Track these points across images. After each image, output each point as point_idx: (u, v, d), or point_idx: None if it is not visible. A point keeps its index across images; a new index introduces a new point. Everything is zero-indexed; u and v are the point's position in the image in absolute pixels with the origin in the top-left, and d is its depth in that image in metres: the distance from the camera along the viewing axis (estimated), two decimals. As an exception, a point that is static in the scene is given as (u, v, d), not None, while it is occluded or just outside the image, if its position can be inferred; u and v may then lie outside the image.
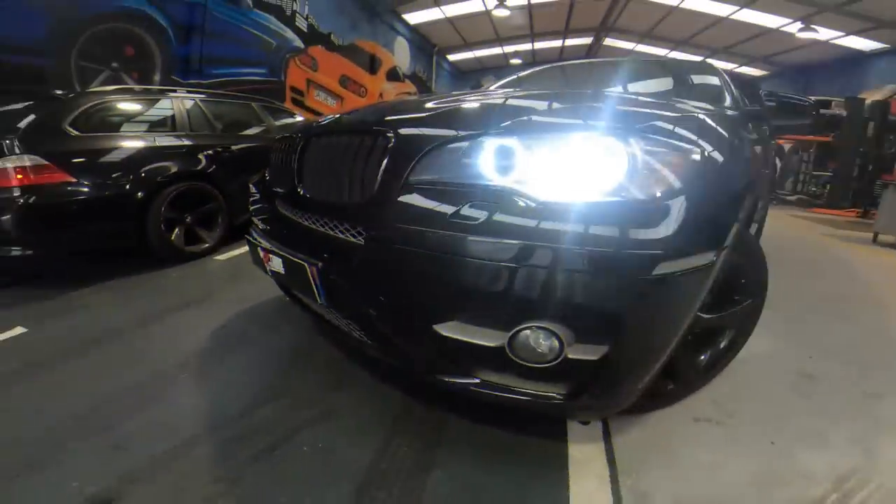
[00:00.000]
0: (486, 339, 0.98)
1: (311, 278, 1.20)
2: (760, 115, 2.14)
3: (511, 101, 1.29)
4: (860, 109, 8.58)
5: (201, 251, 3.27)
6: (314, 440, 1.31)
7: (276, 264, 1.37)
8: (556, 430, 1.37)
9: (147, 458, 1.24)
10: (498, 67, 18.77)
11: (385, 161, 1.09)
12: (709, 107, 1.60)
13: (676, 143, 1.04)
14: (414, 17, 12.52)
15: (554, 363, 0.96)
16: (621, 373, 1.01)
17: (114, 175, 2.80)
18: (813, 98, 10.09)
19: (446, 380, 1.10)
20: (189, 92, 3.72)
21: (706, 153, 1.07)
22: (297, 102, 8.38)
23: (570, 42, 16.41)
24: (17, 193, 2.43)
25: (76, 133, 2.75)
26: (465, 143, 1.03)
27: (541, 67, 3.12)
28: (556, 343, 0.94)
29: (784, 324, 2.27)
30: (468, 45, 15.64)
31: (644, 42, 15.35)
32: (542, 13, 12.84)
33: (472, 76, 19.32)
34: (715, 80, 2.24)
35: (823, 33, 10.92)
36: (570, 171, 0.96)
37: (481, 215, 0.94)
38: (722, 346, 1.52)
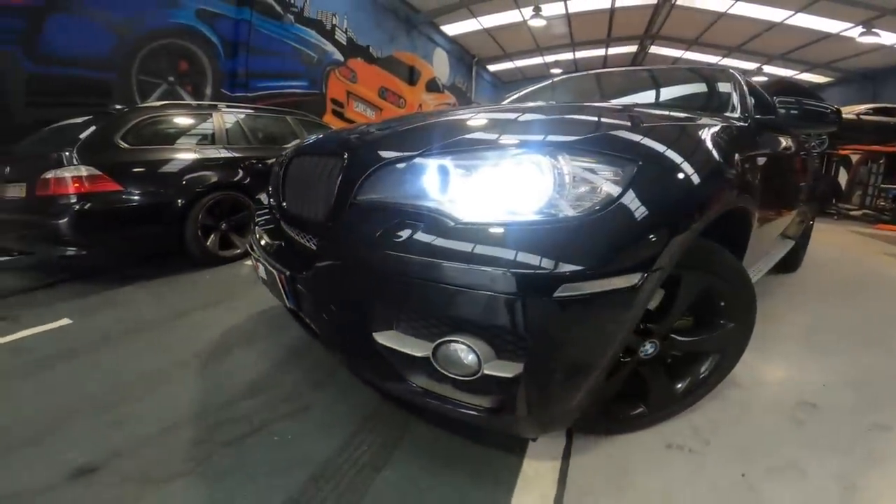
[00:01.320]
0: (415, 349, 1.03)
1: (280, 284, 1.33)
2: (777, 123, 2.03)
3: (458, 120, 1.36)
4: (932, 118, 7.85)
5: (233, 256, 3.53)
6: (285, 431, 1.41)
7: (262, 271, 1.51)
8: (518, 444, 1.37)
9: (137, 435, 1.39)
10: (540, 77, 18.68)
11: (339, 180, 1.20)
12: (692, 116, 1.58)
13: (607, 163, 1.01)
14: (452, 29, 12.74)
15: (474, 377, 0.98)
16: (542, 392, 1.00)
17: (158, 184, 3.13)
18: (876, 105, 9.34)
19: (390, 385, 1.15)
20: (229, 107, 4.02)
21: (645, 171, 1.02)
22: (338, 114, 8.76)
23: (613, 51, 16.08)
24: (73, 200, 2.77)
25: (126, 146, 3.09)
26: (401, 165, 1.11)
27: (556, 79, 3.14)
28: (474, 358, 0.97)
29: (808, 350, 2.13)
30: (508, 56, 15.67)
31: (693, 49, 14.77)
32: (582, 22, 12.67)
33: (513, 86, 19.28)
34: (726, 87, 2.16)
35: (887, 37, 10.07)
36: (490, 191, 1.00)
37: (406, 234, 1.00)
38: (703, 371, 1.45)
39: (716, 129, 1.49)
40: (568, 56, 16.15)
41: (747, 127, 1.81)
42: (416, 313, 1.02)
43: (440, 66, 13.04)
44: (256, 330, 2.22)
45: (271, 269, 1.38)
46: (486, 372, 0.96)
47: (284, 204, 1.53)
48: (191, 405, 1.56)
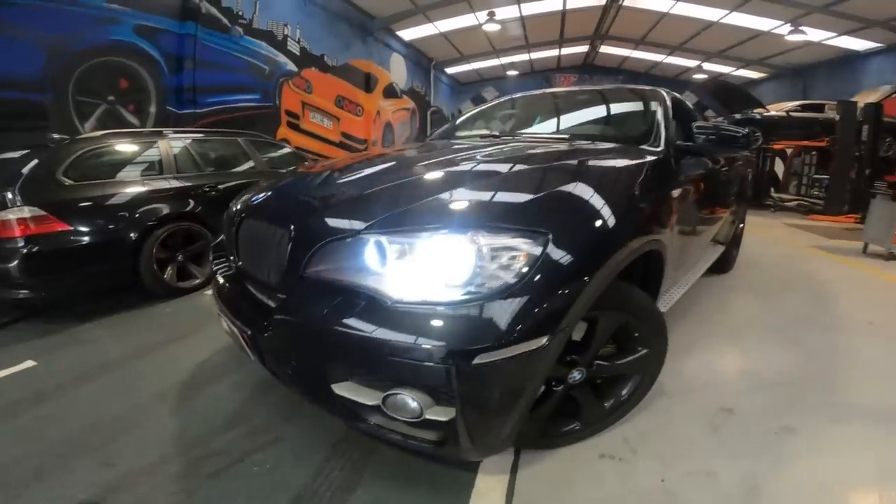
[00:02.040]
0: (368, 398, 1.16)
1: (243, 342, 1.42)
2: (695, 150, 2.20)
3: (399, 186, 1.44)
4: (853, 113, 8.50)
5: (193, 287, 3.45)
6: (263, 461, 1.54)
7: (224, 325, 1.57)
8: (471, 462, 1.50)
9: (128, 472, 1.50)
10: (497, 78, 18.97)
11: (288, 252, 1.28)
12: (608, 168, 1.65)
13: (522, 237, 1.12)
14: (408, 34, 12.76)
15: (418, 420, 1.12)
16: (475, 428, 1.14)
17: (107, 221, 3.05)
18: (804, 102, 10.02)
19: (351, 422, 1.29)
20: (176, 132, 3.90)
21: (554, 245, 1.13)
22: (293, 126, 8.62)
23: (566, 51, 16.53)
24: (20, 244, 2.68)
25: (69, 182, 2.99)
26: (343, 242, 1.21)
27: (497, 101, 3.25)
28: (417, 406, 1.11)
29: (731, 353, 2.34)
30: (465, 58, 15.84)
31: (639, 48, 15.40)
32: (536, 24, 12.98)
33: (471, 88, 19.51)
34: (653, 112, 2.23)
35: (814, 34, 10.86)
36: (420, 270, 1.13)
37: (350, 310, 1.13)
38: (627, 389, 1.62)
39: (632, 173, 1.62)
40: (524, 57, 16.50)
41: (665, 160, 1.92)
42: (365, 373, 1.17)
43: (397, 71, 13.03)
44: (222, 364, 2.25)
45: (233, 326, 1.45)
46: (427, 417, 1.11)
47: (240, 262, 1.58)
48: (172, 441, 1.65)
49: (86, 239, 2.91)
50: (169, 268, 3.35)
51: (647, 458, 1.53)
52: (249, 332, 1.35)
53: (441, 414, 1.10)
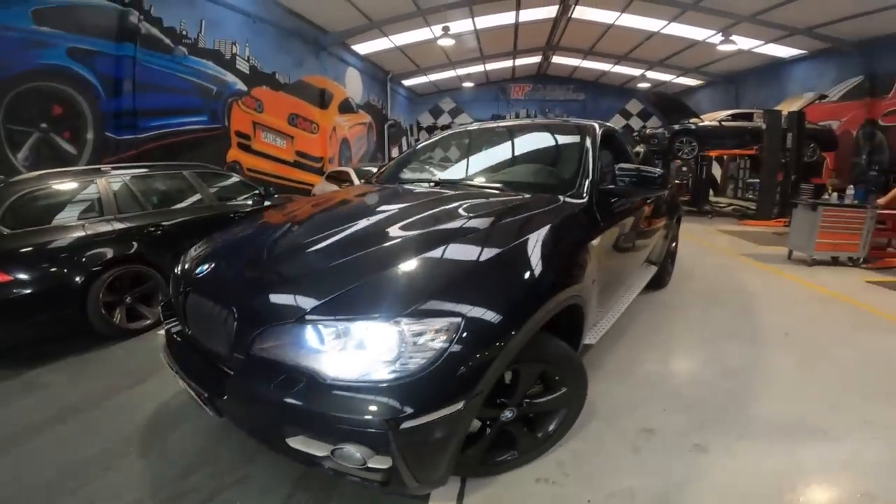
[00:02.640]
0: (319, 450, 1.30)
1: (199, 401, 1.51)
2: (616, 192, 2.31)
3: (336, 268, 1.51)
4: (778, 121, 9.21)
5: (144, 327, 3.35)
6: (233, 498, 1.64)
7: (180, 383, 1.63)
8: None
9: None
10: (454, 89, 19.26)
11: (234, 332, 1.40)
12: (522, 239, 1.67)
13: (438, 320, 1.26)
14: (364, 48, 12.76)
15: (363, 467, 1.27)
16: (413, 472, 1.29)
17: (49, 269, 2.97)
18: (735, 112, 10.69)
19: (309, 466, 1.39)
20: (115, 169, 3.76)
21: (468, 324, 1.28)
22: (244, 147, 8.44)
23: (520, 61, 17.01)
24: None
25: (7, 231, 2.89)
26: (283, 326, 1.33)
27: (442, 135, 3.34)
28: (360, 457, 1.25)
29: (658, 373, 2.50)
30: (422, 70, 16.00)
31: (589, 58, 16.06)
32: (490, 36, 13.31)
33: (429, 99, 19.74)
34: (583, 154, 2.32)
35: (744, 43, 11.66)
36: (352, 353, 1.26)
37: (293, 387, 1.27)
38: (555, 422, 1.78)
39: (551, 235, 1.71)
40: (479, 68, 16.84)
41: (587, 209, 2.05)
42: (313, 433, 1.30)
43: (353, 85, 13.00)
44: (182, 406, 2.24)
45: (188, 387, 1.54)
46: (370, 465, 1.27)
47: (188, 330, 1.65)
48: (145, 482, 1.73)
49: (28, 289, 2.82)
50: (117, 310, 3.24)
51: (577, 480, 1.66)
52: (206, 395, 1.46)
53: (381, 462, 1.26)
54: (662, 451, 1.81)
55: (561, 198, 2.06)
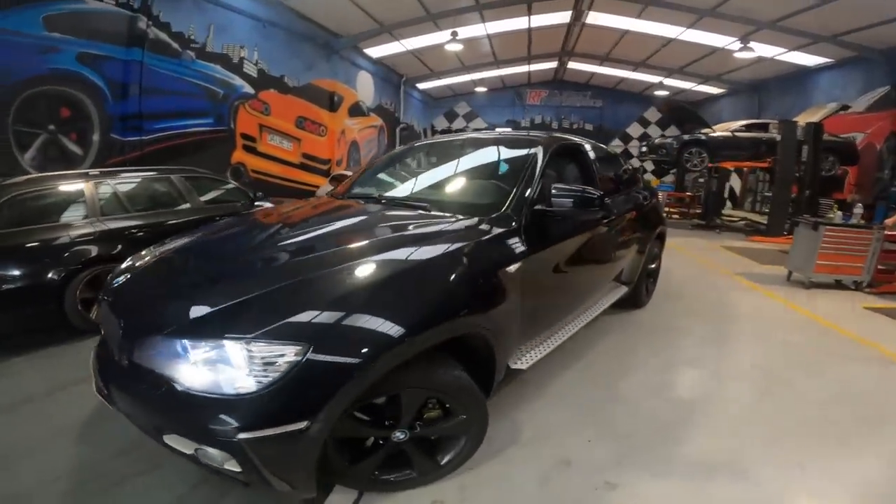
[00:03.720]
0: (187, 448, 1.40)
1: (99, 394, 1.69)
2: (558, 214, 2.21)
3: (202, 291, 1.61)
4: (793, 132, 8.83)
5: None
6: (140, 483, 1.81)
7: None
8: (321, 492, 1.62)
9: (29, 483, 1.80)
10: (469, 93, 19.25)
11: (120, 338, 1.57)
12: (418, 257, 1.70)
13: (284, 345, 1.31)
14: (376, 51, 12.90)
15: (223, 468, 1.38)
16: (265, 478, 1.37)
17: (30, 267, 3.15)
18: (749, 121, 10.29)
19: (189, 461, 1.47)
20: (103, 173, 3.92)
21: (315, 349, 1.32)
22: (250, 149, 8.65)
23: (535, 67, 16.87)
24: None
25: None
26: (152, 340, 1.45)
27: (404, 148, 3.37)
28: (217, 457, 1.35)
29: (601, 400, 2.44)
30: (436, 74, 16.06)
31: (605, 64, 15.81)
32: (503, 41, 13.27)
33: (444, 103, 19.78)
34: (527, 165, 2.32)
35: (765, 50, 11.26)
36: (206, 366, 1.35)
37: (162, 393, 1.38)
38: (455, 448, 1.77)
39: (443, 262, 1.69)
40: (494, 73, 16.79)
41: (510, 230, 1.99)
42: (178, 433, 1.41)
43: (365, 88, 13.15)
44: None
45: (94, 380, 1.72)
46: (226, 466, 1.37)
47: (102, 332, 1.80)
48: (70, 464, 1.92)
49: (9, 284, 3.01)
50: (95, 307, 3.38)
51: (473, 508, 1.64)
52: (104, 390, 1.63)
53: (235, 465, 1.36)
54: (569, 486, 1.77)
55: (476, 220, 2.01)
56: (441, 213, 2.13)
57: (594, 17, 11.73)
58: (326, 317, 1.39)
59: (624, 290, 3.51)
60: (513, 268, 1.89)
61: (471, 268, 1.73)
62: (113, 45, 5.98)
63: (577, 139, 3.17)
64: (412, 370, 1.51)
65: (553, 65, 16.94)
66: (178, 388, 1.35)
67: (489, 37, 12.54)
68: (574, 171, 2.98)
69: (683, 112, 11.04)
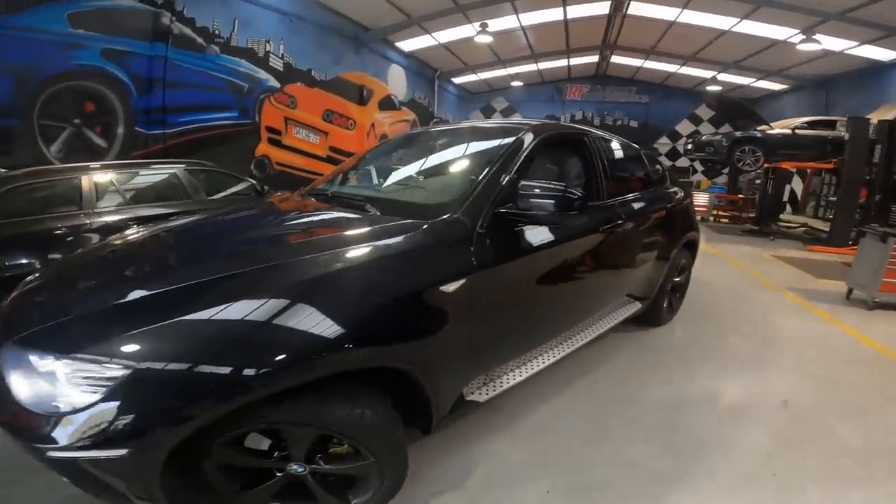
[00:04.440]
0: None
1: None
2: (532, 218, 1.85)
3: (50, 305, 1.45)
4: (864, 131, 7.80)
5: None
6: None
7: None
8: None
9: None
10: (506, 89, 18.73)
11: None
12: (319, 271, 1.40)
13: (104, 365, 1.13)
14: (408, 45, 12.73)
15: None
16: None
17: (21, 257, 3.20)
18: (812, 118, 9.23)
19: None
20: (104, 167, 3.95)
21: (138, 371, 1.12)
22: (275, 142, 8.71)
23: (575, 61, 16.13)
24: None
25: None
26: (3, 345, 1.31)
27: (390, 140, 3.11)
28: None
29: (574, 444, 2.07)
30: (471, 68, 15.69)
31: (651, 58, 14.85)
32: (538, 33, 12.70)
33: (481, 98, 19.36)
34: (495, 159, 1.96)
35: (832, 43, 10.10)
36: (30, 378, 1.21)
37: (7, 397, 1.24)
38: (370, 491, 1.50)
39: (350, 278, 1.40)
40: (531, 67, 16.20)
41: (458, 238, 1.65)
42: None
43: (396, 82, 13.02)
44: None
45: None
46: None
47: None
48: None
49: (7, 273, 3.04)
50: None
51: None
52: None
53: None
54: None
55: (411, 223, 1.68)
56: (378, 215, 1.85)
57: (636, 8, 10.98)
58: (166, 337, 1.18)
59: (637, 307, 3.08)
60: (453, 286, 1.54)
61: (376, 287, 1.41)
62: (137, 40, 6.12)
63: (580, 129, 2.77)
64: (289, 405, 1.25)
65: (594, 59, 16.12)
66: (13, 398, 1.22)
67: (523, 29, 12.03)
68: (575, 168, 2.59)
69: (736, 107, 10.01)
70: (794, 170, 12.52)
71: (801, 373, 2.91)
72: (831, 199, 10.75)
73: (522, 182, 1.83)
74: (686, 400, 2.51)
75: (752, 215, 10.49)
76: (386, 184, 2.43)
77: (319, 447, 1.40)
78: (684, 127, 18.30)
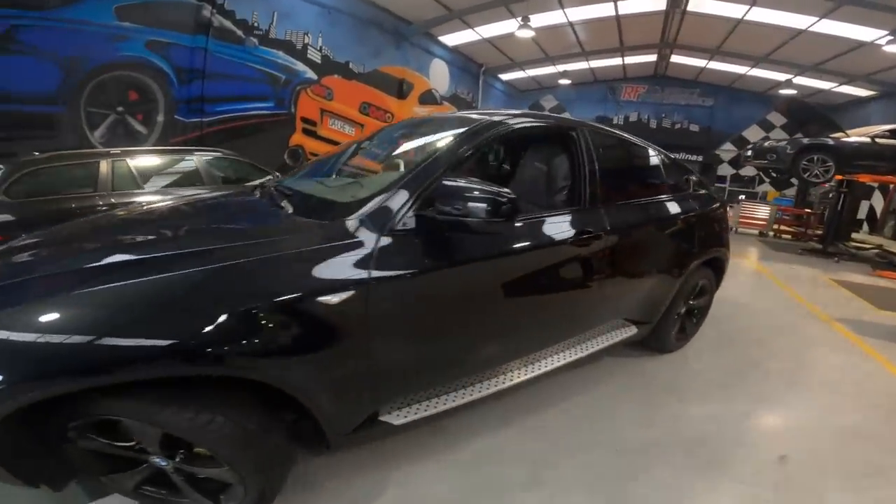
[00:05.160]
0: None
1: None
2: (455, 224, 1.63)
3: None
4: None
5: None
6: None
7: None
8: None
9: None
10: (556, 87, 18.07)
11: None
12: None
13: None
14: (451, 39, 12.56)
15: None
16: None
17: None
18: (888, 127, 8.02)
19: None
20: (124, 152, 4.19)
21: None
22: (310, 132, 8.91)
23: (631, 60, 15.22)
24: None
25: (9, 201, 3.41)
26: None
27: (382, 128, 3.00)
28: None
29: (516, 483, 1.87)
30: (518, 65, 15.26)
31: (716, 59, 13.70)
32: (588, 30, 12.10)
33: (530, 95, 18.85)
34: (438, 147, 1.82)
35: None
36: None
37: None
38: (235, 499, 1.44)
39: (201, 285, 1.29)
40: (582, 65, 15.50)
41: (340, 244, 1.46)
42: None
43: (439, 77, 12.92)
44: None
45: None
46: None
47: None
48: None
49: None
50: None
51: None
52: None
53: None
54: None
55: (300, 223, 1.59)
56: (289, 213, 1.76)
57: (697, 4, 10.12)
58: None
59: (632, 332, 2.73)
60: (337, 298, 1.37)
61: (231, 291, 1.28)
62: (179, 32, 6.43)
63: (570, 122, 2.45)
64: (127, 400, 1.20)
65: (652, 58, 15.14)
66: None
67: (571, 24, 11.48)
68: (562, 168, 2.32)
69: (808, 112, 8.91)
70: (874, 184, 11.08)
71: (819, 422, 2.51)
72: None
73: (445, 182, 1.61)
74: (662, 446, 2.20)
75: (819, 232, 9.39)
76: (330, 178, 2.30)
77: (184, 445, 1.33)
78: (753, 133, 16.78)
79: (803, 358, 3.38)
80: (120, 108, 6.02)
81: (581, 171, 2.27)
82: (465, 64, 14.31)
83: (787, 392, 2.84)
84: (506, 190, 1.61)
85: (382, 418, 1.67)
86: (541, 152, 2.37)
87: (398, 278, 1.52)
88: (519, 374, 2.12)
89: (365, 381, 1.55)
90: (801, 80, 13.32)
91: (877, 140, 7.82)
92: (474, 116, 2.15)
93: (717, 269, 3.33)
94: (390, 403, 1.73)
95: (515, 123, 2.08)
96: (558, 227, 2.10)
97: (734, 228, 10.58)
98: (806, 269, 6.88)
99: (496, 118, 2.07)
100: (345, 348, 1.44)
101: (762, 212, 10.69)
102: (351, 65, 9.62)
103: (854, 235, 9.81)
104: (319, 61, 8.81)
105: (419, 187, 1.61)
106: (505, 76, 16.67)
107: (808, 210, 10.82)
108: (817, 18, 9.29)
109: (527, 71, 16.04)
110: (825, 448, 2.26)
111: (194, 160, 4.58)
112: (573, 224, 2.16)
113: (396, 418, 1.69)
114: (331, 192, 1.98)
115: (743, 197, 15.34)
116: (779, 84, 14.30)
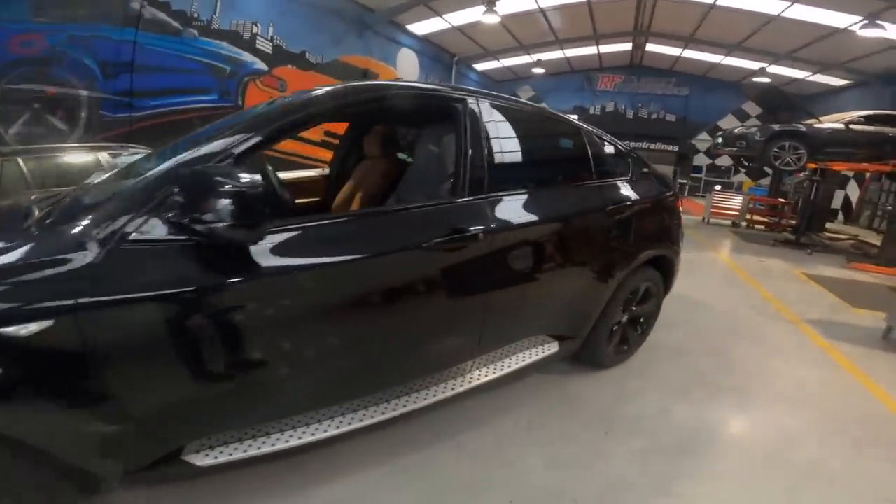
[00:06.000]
0: None
1: None
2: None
3: None
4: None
5: None
6: None
7: None
8: None
9: None
10: (532, 77, 17.71)
11: None
12: None
13: None
14: (420, 28, 12.09)
15: None
16: None
17: None
18: (871, 112, 7.76)
19: None
20: (14, 150, 3.82)
21: None
22: (261, 125, 8.43)
23: (606, 48, 14.95)
24: None
25: None
26: None
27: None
28: None
29: None
30: (492, 54, 14.87)
31: (691, 47, 13.46)
32: (560, 16, 11.72)
33: (505, 86, 18.44)
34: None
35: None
36: None
37: None
38: None
39: None
40: (557, 54, 15.18)
41: (66, 260, 1.09)
42: None
43: (407, 67, 12.44)
44: None
45: None
46: None
47: None
48: None
49: None
50: None
51: None
52: None
53: None
54: None
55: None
56: (33, 219, 1.38)
57: (670, -12, 9.83)
58: None
59: (553, 349, 2.33)
60: (27, 329, 1.01)
61: None
62: (105, 25, 5.92)
63: (463, 90, 1.99)
64: None
65: (627, 47, 14.88)
66: None
67: (542, 10, 11.10)
68: (448, 149, 1.88)
69: (778, 98, 8.56)
70: (849, 172, 10.93)
71: (768, 460, 2.12)
72: (888, 208, 9.29)
73: (193, 166, 1.23)
74: (562, 496, 1.80)
75: (793, 223, 9.19)
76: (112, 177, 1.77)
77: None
78: (728, 122, 16.68)
79: (762, 370, 3.03)
80: (37, 105, 5.51)
81: (462, 154, 1.80)
82: (437, 54, 13.84)
83: (736, 417, 2.49)
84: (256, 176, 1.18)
85: (185, 457, 1.32)
86: (433, 133, 1.97)
87: (130, 302, 1.13)
88: (375, 413, 1.71)
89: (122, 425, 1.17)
90: (775, 69, 13.15)
91: (851, 126, 7.57)
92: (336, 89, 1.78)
93: (666, 269, 2.91)
94: (201, 440, 1.38)
95: (369, 94, 1.77)
96: (410, 226, 1.68)
97: (706, 219, 10.36)
98: (776, 262, 6.63)
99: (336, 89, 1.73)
100: (64, 386, 1.08)
101: (735, 202, 10.46)
102: (308, 55, 9.11)
103: (828, 226, 9.63)
104: (270, 51, 8.30)
105: (155, 187, 1.23)
106: (479, 66, 16.26)
107: (783, 199, 10.65)
108: (789, 4, 9.07)
109: (501, 60, 15.65)
110: (780, 487, 1.92)
111: (102, 158, 4.15)
112: (435, 222, 1.71)
113: (200, 459, 1.33)
114: (88, 193, 1.54)
115: (718, 187, 15.23)
116: (753, 73, 14.14)
